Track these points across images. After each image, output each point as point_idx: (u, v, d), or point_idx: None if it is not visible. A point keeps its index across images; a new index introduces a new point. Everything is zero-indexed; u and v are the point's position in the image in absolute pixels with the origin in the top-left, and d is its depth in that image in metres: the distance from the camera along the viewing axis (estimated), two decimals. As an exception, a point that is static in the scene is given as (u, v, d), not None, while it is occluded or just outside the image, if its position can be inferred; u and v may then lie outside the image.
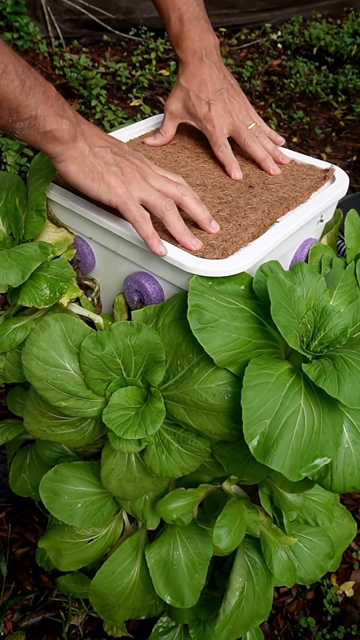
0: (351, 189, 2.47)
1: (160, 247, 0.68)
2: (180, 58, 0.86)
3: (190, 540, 0.85)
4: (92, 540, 0.89)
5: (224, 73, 0.86)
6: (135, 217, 0.68)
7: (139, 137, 0.95)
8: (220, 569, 0.98)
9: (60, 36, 3.15)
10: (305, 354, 0.64)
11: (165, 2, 0.84)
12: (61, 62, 3.01)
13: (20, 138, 0.67)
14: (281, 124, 2.94)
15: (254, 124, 0.85)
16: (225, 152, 0.82)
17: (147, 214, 0.69)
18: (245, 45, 3.64)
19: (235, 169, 0.82)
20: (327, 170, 0.86)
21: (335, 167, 0.86)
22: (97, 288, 0.85)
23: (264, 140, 0.84)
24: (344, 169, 0.88)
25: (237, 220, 0.74)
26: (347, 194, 0.88)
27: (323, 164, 0.88)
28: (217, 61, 0.85)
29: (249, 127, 0.84)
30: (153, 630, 1.03)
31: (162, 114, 0.94)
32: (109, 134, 0.90)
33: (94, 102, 2.73)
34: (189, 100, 0.85)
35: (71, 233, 0.83)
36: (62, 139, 0.67)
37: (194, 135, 0.92)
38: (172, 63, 3.17)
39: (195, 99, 0.84)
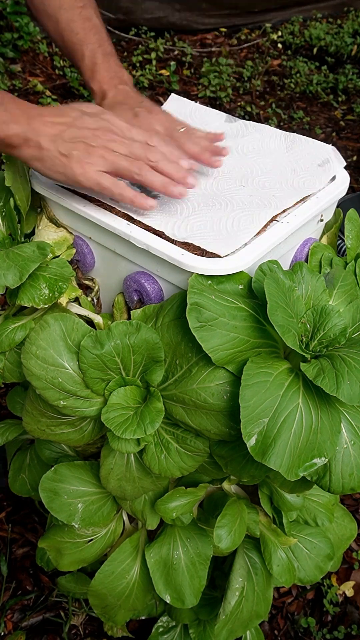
0: (351, 188, 2.47)
1: (149, 200, 0.68)
2: (94, 89, 0.87)
3: (190, 540, 0.85)
4: (92, 540, 0.89)
5: (141, 95, 0.88)
6: (112, 192, 0.68)
7: None
8: (220, 568, 0.98)
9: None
10: (303, 354, 0.64)
11: (80, 40, 0.87)
12: (61, 62, 3.01)
13: None
14: (281, 124, 2.94)
15: (183, 128, 0.84)
16: (166, 143, 0.78)
17: (122, 182, 0.69)
18: (245, 45, 3.64)
19: (182, 160, 0.76)
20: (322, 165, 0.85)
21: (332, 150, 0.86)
22: (96, 288, 0.85)
23: (196, 139, 0.82)
24: (344, 168, 0.88)
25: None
26: (347, 193, 0.88)
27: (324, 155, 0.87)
28: (132, 89, 0.87)
29: (180, 131, 0.83)
30: (153, 630, 1.03)
31: None
32: None
33: (94, 102, 2.73)
34: (113, 112, 0.82)
35: (70, 233, 0.83)
36: (14, 143, 0.68)
37: None
38: (173, 63, 3.17)
39: (122, 111, 0.82)
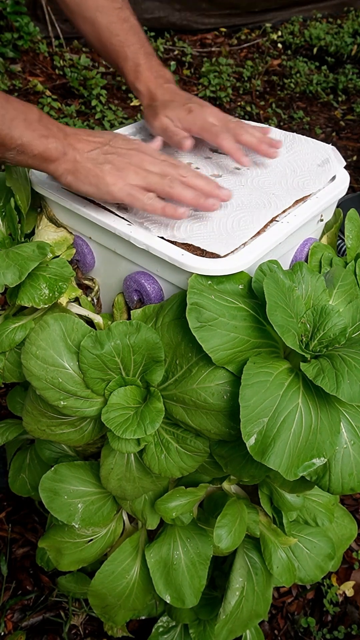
0: (351, 188, 2.47)
1: (179, 210, 0.70)
2: (140, 89, 0.88)
3: (190, 540, 0.85)
4: (92, 540, 0.89)
5: (187, 93, 0.89)
6: (143, 203, 0.70)
7: None
8: (220, 568, 0.98)
9: (61, 36, 3.15)
10: (303, 354, 0.64)
11: (120, 42, 0.87)
12: (61, 62, 3.01)
13: (14, 164, 0.70)
14: (281, 123, 2.94)
15: (235, 120, 0.86)
16: (229, 139, 0.81)
17: (152, 194, 0.70)
18: (245, 45, 3.64)
19: (244, 156, 0.81)
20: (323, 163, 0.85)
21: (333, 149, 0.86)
22: (96, 288, 0.85)
23: (251, 130, 0.84)
24: (344, 168, 0.88)
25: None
26: (347, 193, 0.88)
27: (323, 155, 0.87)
28: (176, 86, 0.89)
29: (232, 121, 0.85)
30: (153, 630, 1.03)
31: (138, 123, 0.96)
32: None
33: (94, 102, 2.73)
34: (166, 111, 0.84)
35: (70, 233, 0.83)
36: (52, 157, 0.70)
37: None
38: (173, 63, 3.17)
39: (175, 109, 0.84)
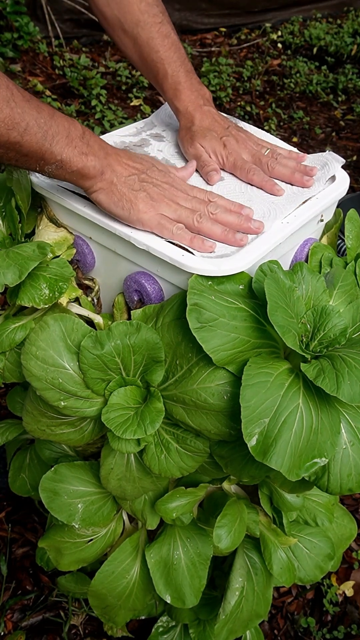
0: (351, 188, 2.47)
1: (206, 242, 0.70)
2: (179, 108, 0.88)
3: (190, 540, 0.85)
4: (92, 540, 0.89)
5: (223, 116, 0.90)
6: (172, 232, 0.71)
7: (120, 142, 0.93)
8: (220, 568, 0.98)
9: (60, 36, 3.15)
10: (304, 354, 0.64)
11: (161, 58, 0.87)
12: (61, 61, 3.01)
13: (51, 177, 0.71)
14: (281, 123, 2.94)
15: (268, 150, 0.87)
16: (259, 173, 0.82)
17: (181, 224, 0.72)
18: (245, 45, 3.64)
19: (276, 185, 0.81)
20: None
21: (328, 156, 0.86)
22: (96, 288, 0.85)
23: (284, 161, 0.85)
24: (344, 168, 0.88)
25: None
26: (347, 193, 0.88)
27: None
28: (214, 108, 0.89)
29: (265, 154, 0.85)
30: (153, 630, 1.03)
31: (142, 121, 0.97)
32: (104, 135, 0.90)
33: (94, 102, 2.73)
34: (203, 140, 0.85)
35: (71, 233, 0.83)
36: (89, 175, 0.70)
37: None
38: (172, 63, 3.16)
39: (211, 140, 0.85)
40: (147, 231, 0.72)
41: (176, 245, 0.70)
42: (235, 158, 0.84)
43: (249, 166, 0.83)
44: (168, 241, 0.71)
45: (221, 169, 0.85)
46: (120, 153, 0.75)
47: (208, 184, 0.83)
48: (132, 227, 0.73)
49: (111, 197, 0.72)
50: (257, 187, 0.83)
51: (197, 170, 0.86)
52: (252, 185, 0.83)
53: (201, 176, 0.85)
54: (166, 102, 0.95)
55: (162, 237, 0.72)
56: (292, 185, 0.83)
